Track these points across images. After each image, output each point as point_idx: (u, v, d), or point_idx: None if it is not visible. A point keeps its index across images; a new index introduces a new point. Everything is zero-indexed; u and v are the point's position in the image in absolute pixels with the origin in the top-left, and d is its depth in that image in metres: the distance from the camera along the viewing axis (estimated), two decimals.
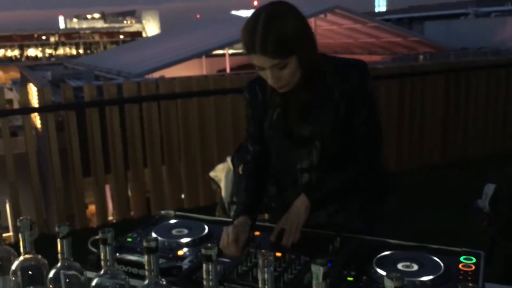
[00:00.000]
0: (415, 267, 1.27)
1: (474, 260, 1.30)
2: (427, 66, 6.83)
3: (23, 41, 71.12)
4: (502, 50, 10.79)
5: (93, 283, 1.00)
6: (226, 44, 11.47)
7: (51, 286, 1.04)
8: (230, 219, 1.55)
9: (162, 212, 1.74)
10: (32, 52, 70.32)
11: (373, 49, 13.91)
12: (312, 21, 10.40)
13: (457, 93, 6.20)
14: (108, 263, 0.99)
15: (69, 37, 74.71)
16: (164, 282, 0.97)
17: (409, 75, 5.99)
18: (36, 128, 6.34)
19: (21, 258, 1.08)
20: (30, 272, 1.08)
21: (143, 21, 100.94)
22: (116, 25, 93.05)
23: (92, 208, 5.50)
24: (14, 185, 4.40)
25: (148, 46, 14.13)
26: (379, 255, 1.33)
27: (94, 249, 1.36)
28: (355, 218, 1.62)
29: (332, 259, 1.33)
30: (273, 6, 1.41)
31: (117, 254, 1.33)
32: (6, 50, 69.89)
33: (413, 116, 5.96)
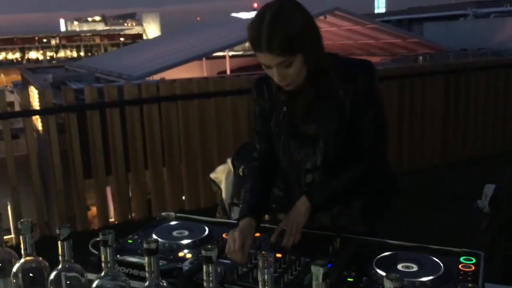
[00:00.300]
0: (415, 267, 1.27)
1: (474, 260, 1.31)
2: (427, 67, 6.84)
3: (24, 44, 71.26)
4: (501, 51, 10.81)
5: (94, 285, 1.00)
6: (227, 46, 11.48)
7: None
8: (230, 221, 1.55)
9: (163, 213, 1.75)
10: (33, 54, 70.44)
11: (373, 51, 13.91)
12: None
13: (457, 94, 6.20)
14: (109, 265, 0.99)
15: (70, 39, 74.82)
16: (165, 284, 0.98)
17: (409, 76, 6.00)
18: (37, 130, 6.35)
19: (22, 260, 1.09)
20: (31, 274, 1.09)
21: (144, 24, 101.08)
22: (117, 27, 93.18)
23: (93, 210, 5.50)
24: (16, 187, 4.41)
25: (149, 48, 14.13)
26: (379, 256, 1.33)
27: (95, 251, 1.36)
28: (358, 220, 1.61)
29: (332, 260, 1.33)
30: (279, 3, 1.40)
31: (118, 256, 1.34)
32: (7, 53, 70.03)
33: (413, 116, 5.96)
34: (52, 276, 1.04)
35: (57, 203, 4.60)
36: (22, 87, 11.83)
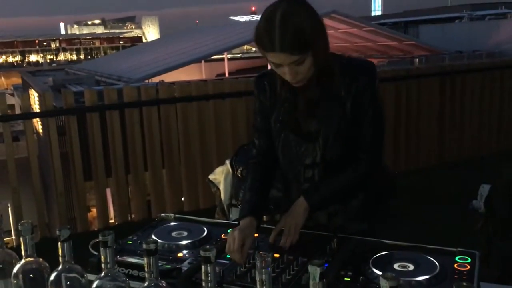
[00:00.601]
0: (411, 267, 1.29)
1: (469, 260, 1.32)
2: (423, 69, 6.85)
3: (25, 47, 71.33)
4: (496, 53, 10.83)
5: (94, 286, 1.01)
6: (225, 49, 11.50)
7: None
8: (229, 222, 1.56)
9: (162, 215, 1.76)
10: (33, 57, 70.48)
11: (369, 53, 13.94)
12: None
13: (452, 96, 6.23)
14: (109, 266, 1.00)
15: (70, 43, 74.87)
16: (164, 284, 0.99)
17: (405, 78, 6.02)
18: (37, 133, 6.37)
19: (23, 261, 1.09)
20: (31, 275, 1.09)
21: (143, 27, 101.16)
22: (116, 30, 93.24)
23: (93, 211, 5.51)
24: (16, 190, 4.42)
25: (148, 51, 14.15)
26: (375, 256, 1.34)
27: (95, 252, 1.37)
28: (355, 219, 1.62)
29: (329, 260, 1.35)
30: (287, 3, 1.41)
31: (118, 257, 1.35)
32: (7, 56, 70.08)
33: (409, 118, 5.98)
34: (52, 277, 1.04)
35: (57, 205, 4.61)
36: (22, 90, 11.85)
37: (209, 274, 0.93)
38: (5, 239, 1.19)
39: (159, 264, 1.00)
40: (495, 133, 6.64)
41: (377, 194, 1.66)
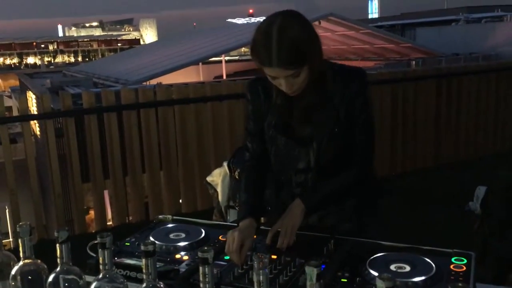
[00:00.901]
0: (407, 268, 1.29)
1: (465, 261, 1.33)
2: (419, 72, 6.87)
3: (22, 49, 71.25)
4: (492, 55, 10.87)
5: (92, 287, 1.01)
6: (223, 51, 11.51)
7: None
8: (226, 223, 1.57)
9: (160, 216, 1.76)
10: (31, 60, 70.42)
11: (366, 55, 13.98)
12: None
13: (449, 98, 6.25)
14: (107, 267, 1.01)
15: (68, 45, 74.82)
16: (162, 285, 0.99)
17: (402, 80, 6.03)
18: (35, 135, 6.37)
19: (21, 263, 1.09)
20: (29, 277, 1.09)
21: (141, 29, 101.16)
22: (114, 33, 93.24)
23: (91, 213, 5.51)
24: (14, 191, 4.41)
25: (146, 53, 14.16)
26: (372, 257, 1.35)
27: (92, 254, 1.38)
28: (345, 220, 1.64)
29: (326, 261, 1.35)
30: (283, 18, 1.43)
31: (116, 258, 1.35)
32: (5, 58, 70.00)
33: (405, 120, 6.00)
34: (50, 278, 1.05)
35: (55, 207, 4.61)
36: (20, 92, 11.84)
37: (207, 275, 0.93)
38: (2, 241, 1.19)
39: (157, 266, 1.01)
40: (491, 135, 6.67)
41: (366, 195, 1.68)
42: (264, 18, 1.51)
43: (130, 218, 4.94)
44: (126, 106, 4.74)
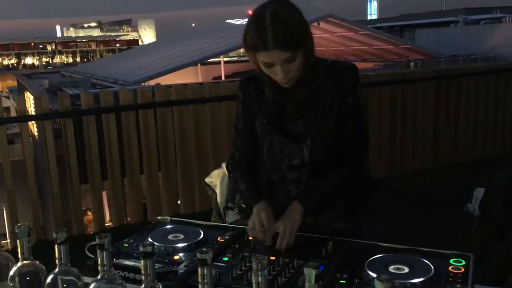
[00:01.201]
0: (406, 269, 1.29)
1: (463, 262, 1.33)
2: (418, 73, 6.87)
3: (21, 49, 71.09)
4: (491, 57, 10.90)
5: None
6: (221, 52, 11.52)
7: None
8: (225, 224, 1.57)
9: (158, 217, 1.76)
10: (29, 60, 70.28)
11: (365, 56, 14.00)
12: None
13: (448, 99, 6.26)
14: (105, 268, 1.01)
15: (66, 45, 74.69)
16: (160, 287, 0.99)
17: (401, 81, 6.04)
18: (33, 135, 6.35)
19: (19, 264, 1.09)
20: (28, 278, 1.09)
21: (139, 30, 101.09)
22: (113, 33, 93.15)
23: (89, 214, 5.50)
24: (12, 192, 4.41)
25: (144, 54, 14.15)
26: (370, 258, 1.35)
27: (91, 255, 1.38)
28: (340, 218, 1.64)
29: (325, 263, 1.35)
30: (275, 3, 1.45)
31: (114, 259, 1.35)
32: (3, 59, 69.86)
33: (404, 121, 6.01)
34: (49, 279, 1.04)
35: (53, 208, 4.60)
36: (18, 93, 11.81)
37: (205, 277, 0.93)
38: (0, 242, 1.19)
39: (156, 267, 1.01)
40: (490, 136, 6.67)
41: (361, 193, 1.68)
42: None
43: (128, 219, 4.94)
44: (124, 107, 4.74)
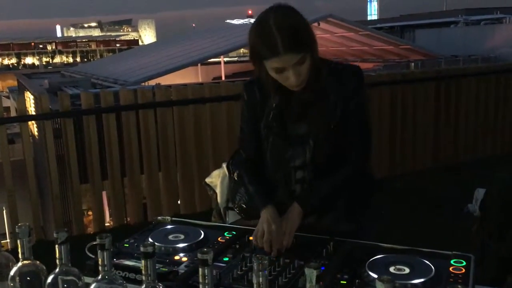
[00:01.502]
0: (407, 270, 1.29)
1: (464, 263, 1.33)
2: (418, 73, 6.88)
3: (21, 49, 71.09)
4: (491, 57, 10.91)
5: None
6: (221, 53, 11.53)
7: None
8: (225, 225, 1.57)
9: (159, 218, 1.76)
10: (29, 60, 70.29)
11: (365, 57, 14.01)
12: None
13: (448, 100, 6.26)
14: (106, 268, 1.00)
15: (66, 45, 74.68)
16: (161, 287, 0.99)
17: (401, 82, 6.05)
18: (33, 135, 6.35)
19: (20, 264, 1.09)
20: (28, 278, 1.09)
21: (139, 30, 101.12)
22: (113, 33, 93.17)
23: (90, 214, 5.50)
24: (12, 192, 4.40)
25: (144, 54, 14.16)
26: (371, 259, 1.35)
27: (91, 255, 1.37)
28: (342, 218, 1.64)
29: (325, 263, 1.35)
30: (277, 8, 1.46)
31: (115, 260, 1.35)
32: (3, 59, 69.86)
33: (405, 121, 6.01)
34: (49, 279, 1.04)
35: (53, 208, 4.60)
36: (18, 93, 11.81)
37: (206, 277, 0.93)
38: (1, 241, 1.19)
39: (156, 267, 1.00)
40: (490, 136, 6.68)
41: (363, 193, 1.68)
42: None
43: (128, 219, 4.94)
44: (124, 107, 4.74)
